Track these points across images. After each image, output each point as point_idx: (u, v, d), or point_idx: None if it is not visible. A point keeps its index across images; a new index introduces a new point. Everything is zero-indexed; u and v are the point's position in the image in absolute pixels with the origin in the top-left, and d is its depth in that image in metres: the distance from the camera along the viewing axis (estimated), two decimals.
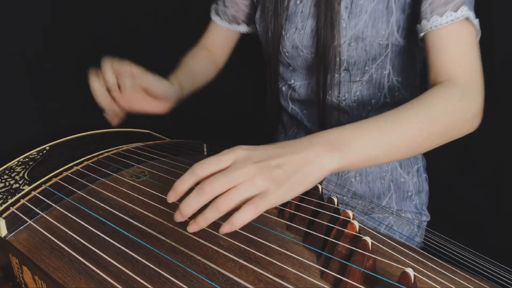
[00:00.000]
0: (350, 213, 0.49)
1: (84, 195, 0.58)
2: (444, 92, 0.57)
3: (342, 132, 0.49)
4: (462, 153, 0.94)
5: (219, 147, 0.75)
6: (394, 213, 0.80)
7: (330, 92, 0.74)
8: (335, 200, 0.52)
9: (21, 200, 0.56)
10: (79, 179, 0.61)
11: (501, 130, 0.88)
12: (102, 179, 0.62)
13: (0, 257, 0.55)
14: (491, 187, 0.92)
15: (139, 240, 0.48)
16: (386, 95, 0.75)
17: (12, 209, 0.55)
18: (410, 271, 0.38)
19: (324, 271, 0.43)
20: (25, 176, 0.67)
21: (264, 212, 0.55)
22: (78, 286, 0.44)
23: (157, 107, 0.71)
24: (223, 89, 1.04)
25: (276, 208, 0.56)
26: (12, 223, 0.53)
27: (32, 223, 0.54)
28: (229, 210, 0.43)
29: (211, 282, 0.42)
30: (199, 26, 0.98)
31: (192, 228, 0.44)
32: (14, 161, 0.73)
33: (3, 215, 0.54)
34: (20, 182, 0.65)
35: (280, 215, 0.55)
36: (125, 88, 0.66)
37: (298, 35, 0.73)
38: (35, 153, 0.75)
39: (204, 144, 0.78)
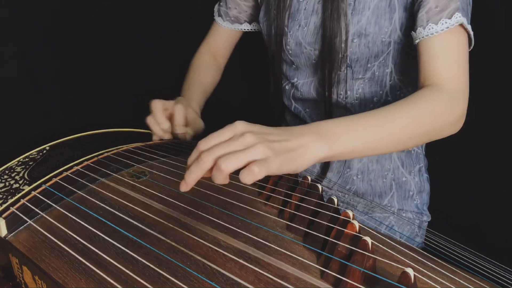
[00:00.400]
0: (350, 213, 0.49)
1: (84, 195, 0.58)
2: (432, 95, 0.60)
3: (332, 125, 0.53)
4: (463, 153, 0.94)
5: None
6: (395, 213, 0.80)
7: (333, 89, 0.75)
8: (335, 200, 0.52)
9: (21, 200, 0.56)
10: (79, 179, 0.61)
11: (501, 130, 0.88)
12: (102, 179, 0.62)
13: (0, 257, 0.55)
14: (491, 187, 0.92)
15: (139, 240, 0.48)
16: (388, 93, 0.75)
17: (12, 209, 0.55)
18: (410, 271, 0.38)
19: (324, 271, 0.43)
20: (25, 176, 0.67)
21: (264, 212, 0.55)
22: (78, 286, 0.44)
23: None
24: (225, 89, 1.04)
25: (276, 208, 0.56)
26: (12, 223, 0.53)
27: (32, 223, 0.54)
28: (230, 171, 0.46)
29: (211, 282, 0.42)
30: (200, 27, 0.98)
31: (218, 179, 0.47)
32: (14, 161, 0.73)
33: (3, 215, 0.54)
34: (20, 182, 0.65)
35: (280, 215, 0.55)
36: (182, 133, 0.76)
37: (301, 32, 0.74)
38: (35, 153, 0.75)
39: None
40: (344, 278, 0.41)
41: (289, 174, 0.60)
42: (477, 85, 0.74)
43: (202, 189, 0.59)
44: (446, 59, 0.63)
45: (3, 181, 0.66)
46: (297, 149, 0.48)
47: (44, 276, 0.47)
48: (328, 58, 0.71)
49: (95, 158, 0.66)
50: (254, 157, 0.45)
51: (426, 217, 0.83)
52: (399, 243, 0.49)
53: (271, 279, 0.43)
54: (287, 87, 0.84)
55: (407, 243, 0.50)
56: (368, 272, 0.41)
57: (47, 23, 1.00)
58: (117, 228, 0.51)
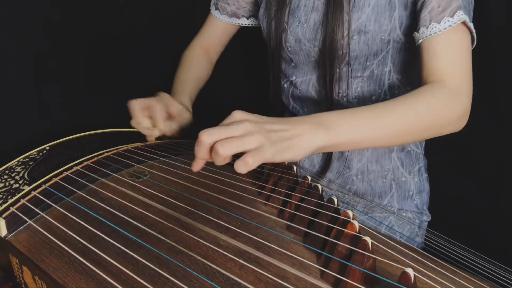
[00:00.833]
0: (350, 213, 0.49)
1: (84, 195, 0.58)
2: (434, 91, 0.60)
3: (331, 116, 0.54)
4: (463, 153, 0.94)
5: None
6: (395, 213, 0.80)
7: (333, 87, 0.75)
8: (335, 200, 0.52)
9: (21, 200, 0.56)
10: (79, 179, 0.61)
11: (501, 130, 0.88)
12: (102, 179, 0.62)
13: (0, 257, 0.55)
14: (491, 187, 0.92)
15: (139, 240, 0.48)
16: (387, 92, 0.75)
17: (12, 209, 0.55)
18: (410, 271, 0.38)
19: (324, 271, 0.43)
20: (25, 176, 0.67)
21: (264, 212, 0.55)
22: (78, 286, 0.44)
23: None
24: (224, 89, 1.04)
25: (276, 208, 0.56)
26: (12, 223, 0.53)
27: (32, 223, 0.54)
28: (227, 155, 0.47)
29: (211, 282, 0.42)
30: (201, 26, 0.98)
31: (217, 161, 0.48)
32: (14, 161, 0.73)
33: (3, 215, 0.54)
34: (20, 182, 0.65)
35: (280, 215, 0.55)
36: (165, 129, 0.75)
37: (301, 29, 0.74)
38: (35, 153, 0.75)
39: None
40: (344, 278, 0.41)
41: (289, 174, 0.60)
42: (477, 85, 0.73)
43: (202, 189, 0.59)
44: (448, 57, 0.62)
45: (3, 181, 0.66)
46: (293, 138, 0.49)
47: (44, 276, 0.47)
48: (328, 55, 0.71)
49: (95, 158, 0.66)
50: (250, 145, 0.46)
51: (426, 217, 0.83)
52: (399, 243, 0.49)
53: (271, 279, 0.43)
54: (285, 85, 0.84)
55: (407, 243, 0.50)
56: (368, 272, 0.41)
57: (47, 23, 1.00)
58: (117, 228, 0.51)
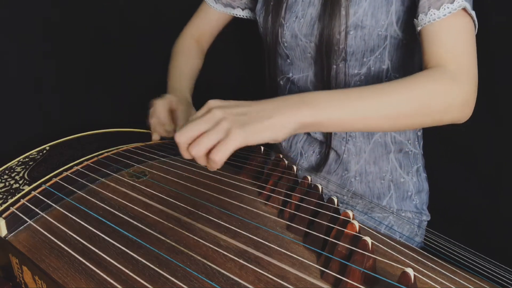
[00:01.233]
0: (350, 213, 0.49)
1: (84, 195, 0.58)
2: (431, 75, 0.57)
3: (318, 94, 0.52)
4: (462, 152, 0.94)
5: None
6: (394, 212, 0.80)
7: (331, 84, 0.74)
8: (335, 200, 0.52)
9: (21, 200, 0.56)
10: (79, 179, 0.61)
11: (501, 130, 0.88)
12: (102, 179, 0.62)
13: (0, 257, 0.55)
14: (491, 187, 0.92)
15: (139, 240, 0.48)
16: None
17: (12, 209, 0.55)
18: (410, 271, 0.38)
19: (324, 271, 0.43)
20: (25, 176, 0.67)
21: (264, 212, 0.55)
22: (78, 286, 0.44)
23: None
24: (224, 89, 1.04)
25: (276, 208, 0.56)
26: (12, 223, 0.53)
27: (32, 223, 0.54)
28: (201, 154, 0.47)
29: (211, 282, 0.42)
30: None
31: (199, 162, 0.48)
32: (14, 161, 0.73)
33: (3, 215, 0.54)
34: (20, 182, 0.65)
35: (280, 215, 0.55)
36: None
37: (297, 24, 0.74)
38: (35, 153, 0.75)
39: None
40: (344, 278, 0.41)
41: (289, 174, 0.60)
42: (479, 84, 0.73)
43: (202, 189, 0.59)
44: (449, 42, 0.59)
45: (3, 181, 0.66)
46: (272, 117, 0.48)
47: (44, 276, 0.47)
48: (324, 50, 0.71)
49: (95, 158, 0.66)
50: (217, 136, 0.46)
51: (426, 217, 0.83)
52: (399, 243, 0.49)
53: (271, 279, 0.43)
54: (281, 82, 0.84)
55: (407, 243, 0.50)
56: (368, 272, 0.41)
57: (47, 23, 1.00)
58: (117, 228, 0.51)
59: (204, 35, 0.94)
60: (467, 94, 0.58)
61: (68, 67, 1.05)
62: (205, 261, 0.45)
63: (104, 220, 0.52)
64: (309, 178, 0.58)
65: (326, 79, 0.74)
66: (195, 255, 0.46)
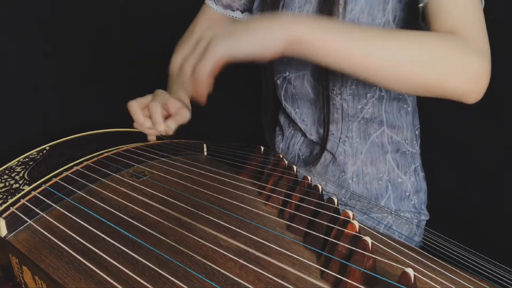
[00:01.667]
0: (350, 213, 0.49)
1: (84, 195, 0.58)
2: (446, 36, 0.53)
3: (317, 18, 0.49)
4: (461, 151, 0.94)
5: (219, 147, 0.75)
6: (393, 212, 0.80)
7: (325, 84, 0.74)
8: (335, 200, 0.52)
9: (21, 200, 0.56)
10: (79, 179, 0.61)
11: (500, 128, 0.88)
12: (102, 179, 0.62)
13: (0, 257, 0.55)
14: (490, 186, 0.92)
15: (139, 240, 0.48)
16: (382, 88, 0.75)
17: (12, 209, 0.55)
18: (410, 271, 0.39)
19: (324, 271, 0.43)
20: (25, 176, 0.67)
21: (264, 212, 0.55)
22: (78, 286, 0.44)
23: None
24: (223, 89, 1.04)
25: (276, 208, 0.56)
26: (12, 223, 0.53)
27: (32, 223, 0.54)
28: (187, 73, 0.48)
29: (211, 282, 0.42)
30: None
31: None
32: (14, 161, 0.73)
33: (3, 215, 0.54)
34: (20, 182, 0.65)
35: (280, 215, 0.55)
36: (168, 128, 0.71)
37: None
38: (35, 153, 0.75)
39: (204, 144, 0.78)
40: (344, 278, 0.41)
41: (289, 174, 0.60)
42: None
43: (202, 189, 0.59)
44: (459, 11, 0.56)
45: (3, 181, 0.66)
46: (261, 29, 0.46)
47: (44, 276, 0.47)
48: None
49: (95, 158, 0.66)
50: (200, 50, 0.46)
51: (424, 216, 0.83)
52: (399, 243, 0.49)
53: (271, 279, 0.43)
54: (278, 81, 0.84)
55: (407, 243, 0.50)
56: (368, 272, 0.41)
57: (47, 23, 1.00)
58: (117, 228, 0.51)
59: None
60: (481, 67, 0.53)
61: (68, 67, 1.05)
62: (205, 261, 0.45)
63: (104, 220, 0.52)
64: (309, 178, 0.58)
65: (323, 77, 0.74)
66: (195, 255, 0.46)
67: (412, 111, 0.80)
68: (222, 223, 0.52)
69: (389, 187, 0.80)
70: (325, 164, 0.82)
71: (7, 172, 0.69)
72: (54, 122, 1.03)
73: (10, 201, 0.59)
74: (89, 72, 1.10)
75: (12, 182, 0.66)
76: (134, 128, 0.77)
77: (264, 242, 0.48)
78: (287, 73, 0.80)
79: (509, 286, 0.47)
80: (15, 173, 0.68)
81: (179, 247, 0.47)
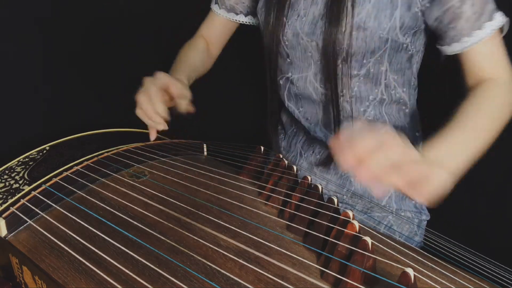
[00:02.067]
0: (350, 213, 0.49)
1: (84, 195, 0.58)
2: (493, 90, 0.65)
3: (438, 153, 0.56)
4: None
5: (219, 147, 0.75)
6: (394, 212, 0.80)
7: (328, 86, 0.74)
8: (335, 200, 0.52)
9: (21, 200, 0.56)
10: (79, 179, 0.61)
11: (501, 130, 0.88)
12: (102, 179, 0.62)
13: (0, 257, 0.55)
14: (491, 186, 0.92)
15: (139, 240, 0.48)
16: (383, 92, 0.75)
17: (12, 209, 0.55)
18: (410, 271, 0.39)
19: (324, 271, 0.43)
20: (25, 176, 0.67)
21: (264, 212, 0.55)
22: (78, 286, 0.44)
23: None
24: (224, 89, 1.04)
25: (276, 208, 0.56)
26: (12, 223, 0.53)
27: (32, 223, 0.54)
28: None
29: (211, 282, 0.42)
30: (200, 21, 0.98)
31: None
32: (14, 161, 0.73)
33: (3, 215, 0.54)
34: (20, 182, 0.65)
35: (280, 215, 0.55)
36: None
37: (299, 22, 0.74)
38: (35, 153, 0.75)
39: (204, 144, 0.78)
40: (344, 278, 0.41)
41: (289, 174, 0.60)
42: None
43: (202, 189, 0.59)
44: (493, 56, 0.66)
45: (3, 181, 0.67)
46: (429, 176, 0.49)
47: (44, 276, 0.47)
48: (326, 50, 0.71)
49: (95, 158, 0.66)
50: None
51: (425, 216, 0.83)
52: (399, 243, 0.49)
53: (271, 279, 0.43)
54: (281, 81, 0.84)
55: (407, 243, 0.50)
56: (368, 272, 0.41)
57: (47, 23, 1.00)
58: (117, 228, 0.51)
59: (211, 41, 0.95)
60: None
61: (68, 67, 1.05)
62: (205, 261, 0.45)
63: (104, 220, 0.52)
64: (309, 178, 0.58)
65: (327, 79, 0.74)
66: (195, 255, 0.46)
67: (411, 113, 0.80)
68: (222, 223, 0.52)
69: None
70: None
71: (7, 172, 0.69)
72: (54, 122, 1.03)
73: (10, 201, 0.59)
74: (89, 72, 1.10)
75: (12, 182, 0.66)
76: (134, 128, 0.77)
77: (264, 242, 0.48)
78: (290, 74, 0.80)
79: (509, 286, 0.47)
80: (15, 173, 0.68)
81: (179, 247, 0.47)
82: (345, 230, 0.45)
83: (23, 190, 0.61)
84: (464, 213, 0.95)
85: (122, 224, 0.52)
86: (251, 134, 1.15)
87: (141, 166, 0.66)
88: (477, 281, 0.44)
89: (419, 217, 0.82)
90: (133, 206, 0.55)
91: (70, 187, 0.59)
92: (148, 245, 0.48)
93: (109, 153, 0.68)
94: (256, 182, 0.63)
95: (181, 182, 0.61)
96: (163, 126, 0.69)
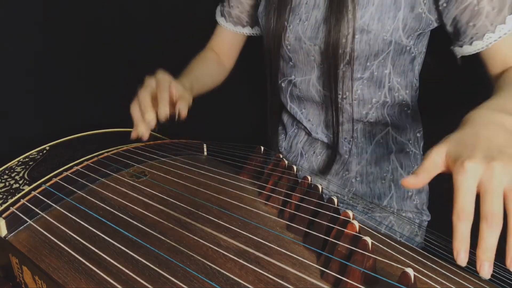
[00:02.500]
0: (350, 213, 0.49)
1: (84, 195, 0.58)
2: None
3: (501, 102, 0.52)
4: None
5: (219, 147, 0.75)
6: (395, 213, 0.80)
7: (331, 89, 0.74)
8: (335, 200, 0.52)
9: (21, 200, 0.56)
10: (79, 179, 0.61)
11: None
12: (102, 179, 0.62)
13: (0, 257, 0.55)
14: None
15: (139, 240, 0.48)
16: (387, 94, 0.75)
17: (12, 209, 0.55)
18: (410, 271, 0.38)
19: (324, 271, 0.43)
20: (25, 176, 0.67)
21: (264, 212, 0.55)
22: (78, 286, 0.44)
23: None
24: (224, 89, 1.04)
25: (276, 208, 0.56)
26: (12, 223, 0.53)
27: (32, 223, 0.54)
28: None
29: (211, 282, 0.42)
30: (203, 27, 0.98)
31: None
32: (14, 161, 0.73)
33: (3, 215, 0.54)
34: (20, 182, 0.65)
35: (280, 215, 0.55)
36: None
37: (301, 27, 0.73)
38: (35, 153, 0.75)
39: (204, 144, 0.78)
40: (344, 278, 0.41)
41: (289, 174, 0.60)
42: (477, 85, 0.73)
43: (202, 189, 0.59)
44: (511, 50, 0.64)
45: (3, 181, 0.67)
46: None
47: (44, 276, 0.47)
48: (329, 54, 0.71)
49: (95, 158, 0.66)
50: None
51: (426, 217, 0.83)
52: (399, 243, 0.49)
53: (271, 279, 0.43)
54: (283, 84, 0.83)
55: (407, 243, 0.50)
56: (368, 272, 0.41)
57: (46, 22, 1.00)
58: (117, 228, 0.51)
59: (223, 53, 0.94)
60: None
61: (68, 67, 1.05)
62: (205, 261, 0.45)
63: (104, 220, 0.52)
64: (309, 178, 0.58)
65: (330, 82, 0.73)
66: (195, 255, 0.46)
67: (413, 113, 0.80)
68: (222, 223, 0.52)
69: (392, 187, 0.80)
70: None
71: (7, 172, 0.69)
72: (54, 122, 1.03)
73: (10, 201, 0.59)
74: (89, 72, 1.10)
75: (12, 182, 0.66)
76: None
77: (264, 242, 0.48)
78: (293, 76, 0.80)
79: (509, 286, 0.47)
80: (15, 173, 0.68)
81: (179, 247, 0.47)
82: (345, 230, 0.45)
83: (23, 190, 0.62)
84: None
85: (122, 224, 0.52)
86: (251, 134, 1.15)
87: (141, 166, 0.66)
88: (477, 281, 0.44)
89: (420, 218, 0.82)
90: (133, 206, 0.55)
91: (70, 187, 0.59)
92: (148, 245, 0.48)
93: (109, 153, 0.68)
94: (256, 182, 0.63)
95: (181, 182, 0.61)
96: (145, 137, 0.65)
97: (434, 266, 0.46)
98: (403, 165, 0.81)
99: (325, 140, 0.82)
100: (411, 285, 0.38)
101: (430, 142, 0.85)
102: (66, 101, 1.06)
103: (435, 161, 0.46)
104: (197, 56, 0.92)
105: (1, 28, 0.92)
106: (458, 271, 0.46)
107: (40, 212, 0.55)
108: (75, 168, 0.64)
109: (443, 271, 0.45)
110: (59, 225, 0.52)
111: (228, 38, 0.92)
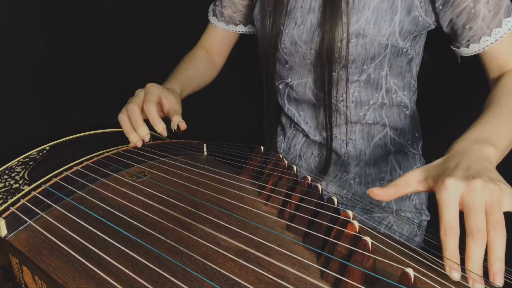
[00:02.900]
0: (350, 213, 0.49)
1: (84, 195, 0.58)
2: None
3: (483, 131, 0.54)
4: None
5: (219, 147, 0.75)
6: (394, 212, 0.80)
7: (327, 92, 0.74)
8: (335, 200, 0.52)
9: (21, 200, 0.56)
10: (79, 179, 0.61)
11: None
12: (102, 179, 0.62)
13: (0, 257, 0.55)
14: None
15: (139, 240, 0.48)
16: (384, 96, 0.75)
17: (12, 209, 0.55)
18: (410, 271, 0.38)
19: (324, 271, 0.43)
20: (25, 176, 0.67)
21: (264, 212, 0.55)
22: (78, 286, 0.44)
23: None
24: (224, 89, 1.04)
25: (276, 208, 0.56)
26: (12, 223, 0.53)
27: (32, 223, 0.54)
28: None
29: (211, 282, 0.42)
30: (202, 27, 0.98)
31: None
32: (14, 161, 0.73)
33: (3, 215, 0.54)
34: (20, 182, 0.65)
35: (280, 215, 0.55)
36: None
37: (297, 31, 0.73)
38: (35, 153, 0.75)
39: (204, 144, 0.78)
40: (344, 278, 0.41)
41: (289, 174, 0.60)
42: (477, 85, 0.73)
43: (202, 189, 0.59)
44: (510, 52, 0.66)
45: (3, 181, 0.67)
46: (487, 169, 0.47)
47: (44, 276, 0.47)
48: (325, 58, 0.71)
49: (95, 158, 0.66)
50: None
51: (426, 216, 0.83)
52: (399, 243, 0.49)
53: (271, 279, 0.43)
54: (280, 86, 0.83)
55: (407, 243, 0.50)
56: (368, 272, 0.41)
57: (46, 22, 1.00)
58: (117, 228, 0.51)
59: (213, 51, 0.94)
60: None
61: (68, 67, 1.05)
62: (205, 261, 0.45)
63: (104, 220, 0.52)
64: (309, 178, 0.58)
65: (326, 86, 0.73)
66: (195, 255, 0.46)
67: (411, 114, 0.80)
68: (222, 223, 0.52)
69: None
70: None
71: (7, 172, 0.69)
72: (54, 122, 1.03)
73: (10, 201, 0.59)
74: (89, 72, 1.10)
75: (12, 182, 0.66)
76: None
77: (264, 242, 0.48)
78: (289, 79, 0.80)
79: (509, 286, 0.47)
80: (15, 173, 0.68)
81: (179, 247, 0.47)
82: (345, 230, 0.45)
83: (23, 190, 0.61)
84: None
85: (122, 224, 0.52)
86: (251, 134, 1.15)
87: (141, 166, 0.66)
88: None
89: (419, 218, 0.82)
90: (133, 206, 0.55)
91: (70, 187, 0.59)
92: (148, 245, 0.48)
93: (109, 153, 0.68)
94: (256, 182, 0.63)
95: (181, 182, 0.61)
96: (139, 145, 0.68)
97: (434, 266, 0.46)
98: (401, 165, 0.81)
99: (323, 142, 0.82)
100: (411, 285, 0.38)
101: (429, 142, 0.85)
102: (66, 101, 1.06)
103: (408, 180, 0.48)
104: (188, 54, 0.92)
105: (1, 28, 0.92)
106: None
107: (40, 212, 0.55)
108: (75, 168, 0.64)
109: (443, 271, 0.45)
110: (59, 225, 0.52)
111: (220, 36, 0.92)
